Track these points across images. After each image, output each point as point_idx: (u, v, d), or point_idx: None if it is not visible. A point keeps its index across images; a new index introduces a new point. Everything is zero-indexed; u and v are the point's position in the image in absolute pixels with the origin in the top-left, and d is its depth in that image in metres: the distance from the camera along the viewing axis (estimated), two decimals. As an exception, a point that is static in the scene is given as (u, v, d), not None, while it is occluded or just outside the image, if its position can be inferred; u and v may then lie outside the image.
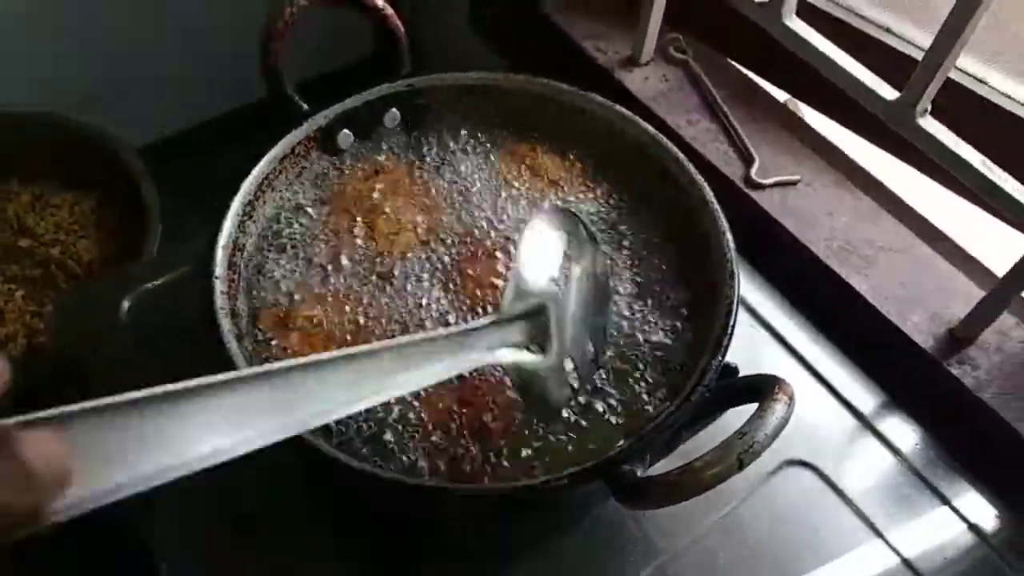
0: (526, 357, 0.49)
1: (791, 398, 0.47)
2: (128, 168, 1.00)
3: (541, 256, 0.53)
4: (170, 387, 0.31)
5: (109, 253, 1.00)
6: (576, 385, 0.54)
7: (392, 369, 0.41)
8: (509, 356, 0.48)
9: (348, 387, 0.38)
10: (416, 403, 0.54)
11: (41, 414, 0.27)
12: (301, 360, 0.37)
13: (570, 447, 0.53)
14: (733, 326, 0.55)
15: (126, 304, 0.71)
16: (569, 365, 0.53)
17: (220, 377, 0.33)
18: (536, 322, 0.50)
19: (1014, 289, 0.65)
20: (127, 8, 1.16)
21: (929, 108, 0.64)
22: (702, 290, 0.60)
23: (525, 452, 0.53)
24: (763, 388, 0.49)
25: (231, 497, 0.63)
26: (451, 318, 0.59)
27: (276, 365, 0.36)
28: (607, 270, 0.60)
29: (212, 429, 0.32)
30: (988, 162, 0.62)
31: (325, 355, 0.38)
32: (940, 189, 0.78)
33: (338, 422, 0.53)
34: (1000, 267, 0.68)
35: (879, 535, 0.65)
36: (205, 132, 1.30)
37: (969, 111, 0.71)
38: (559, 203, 0.66)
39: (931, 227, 0.77)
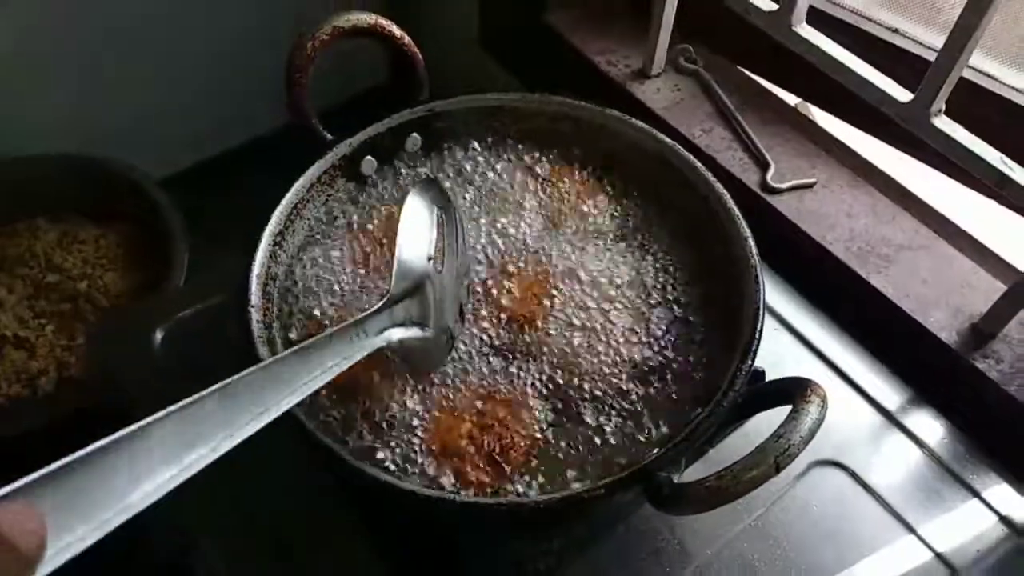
0: (411, 333, 0.54)
1: (823, 400, 0.48)
2: (152, 200, 1.02)
3: (417, 234, 0.56)
4: (113, 436, 0.33)
5: (136, 285, 1.02)
6: (451, 346, 0.58)
7: (296, 373, 0.44)
8: (396, 335, 0.52)
9: (256, 399, 0.41)
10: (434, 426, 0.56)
11: (10, 487, 0.28)
12: (210, 389, 0.40)
13: (601, 457, 0.55)
14: (761, 331, 0.56)
15: (159, 334, 0.73)
16: (444, 335, 0.57)
17: (152, 417, 0.35)
18: (418, 300, 0.54)
19: (1035, 282, 0.66)
20: (144, 46, 1.19)
21: (943, 108, 0.65)
22: (728, 296, 0.61)
23: (557, 468, 0.54)
24: (794, 391, 0.50)
25: (269, 524, 0.64)
26: (476, 332, 0.60)
27: (194, 397, 0.38)
28: (464, 233, 0.62)
29: (156, 462, 0.34)
30: (1005, 158, 0.63)
31: (233, 377, 0.41)
32: (956, 185, 0.78)
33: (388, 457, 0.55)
34: (1020, 261, 0.69)
35: (911, 530, 0.65)
36: (223, 163, 1.32)
37: (982, 108, 0.72)
38: (429, 177, 0.67)
39: (949, 223, 0.78)
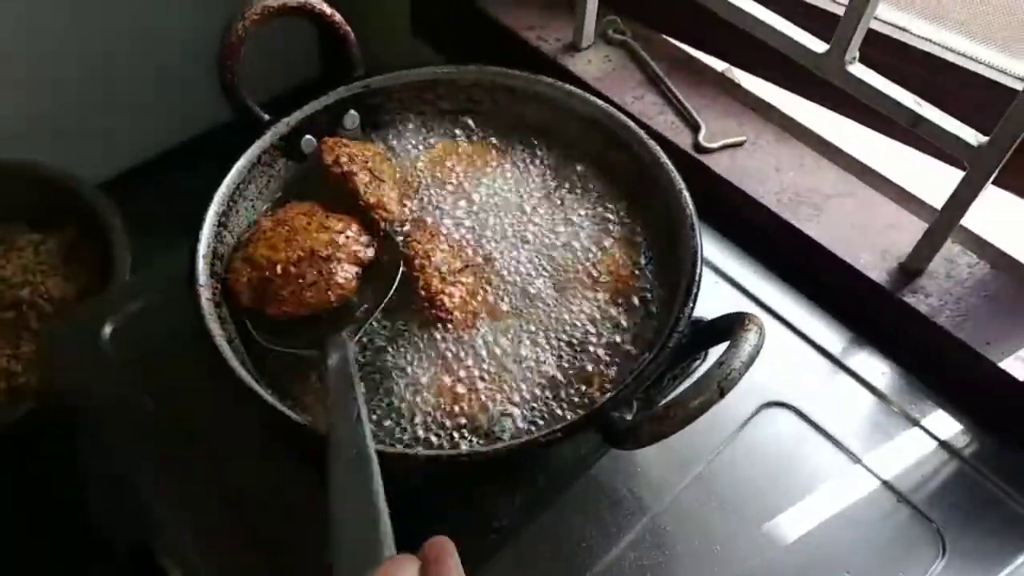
0: None
1: (760, 328, 0.51)
2: (90, 203, 1.01)
3: None
4: None
5: (81, 289, 1.00)
6: None
7: None
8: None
9: None
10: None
11: None
12: None
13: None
14: (700, 273, 0.58)
15: (107, 329, 0.72)
16: None
17: None
18: None
19: (953, 218, 0.70)
20: (79, 48, 1.17)
21: (857, 56, 0.69)
22: (668, 246, 0.63)
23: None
24: (733, 324, 0.52)
25: (237, 504, 0.64)
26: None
27: None
28: None
29: None
30: (918, 99, 0.66)
31: None
32: (876, 135, 0.82)
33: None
34: (938, 200, 0.72)
35: (857, 461, 0.68)
36: (166, 161, 1.31)
37: (895, 58, 0.76)
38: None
39: (872, 171, 0.81)
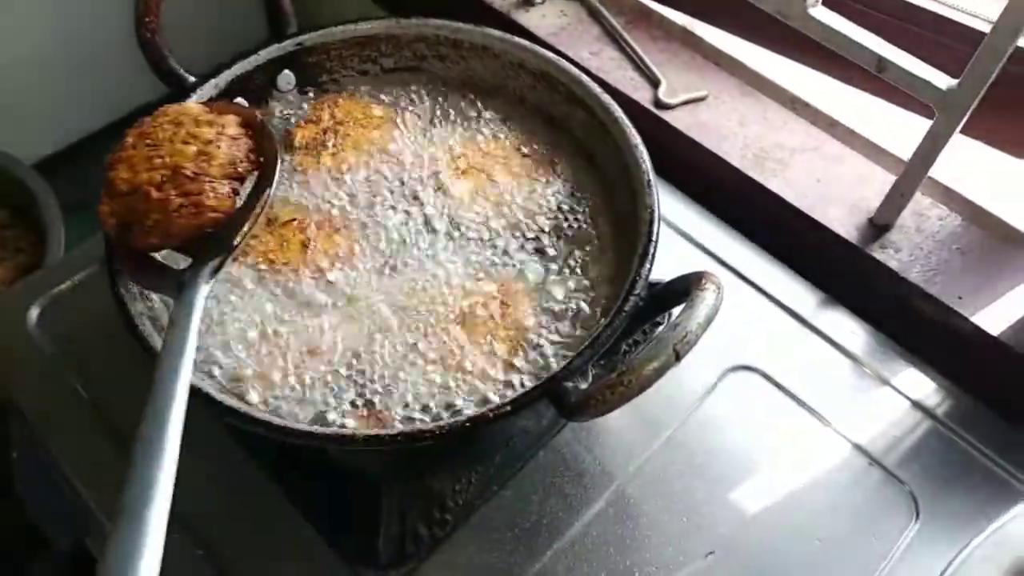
0: None
1: (718, 287, 0.47)
2: (24, 184, 0.95)
3: None
4: None
5: (16, 270, 0.95)
6: None
7: None
8: None
9: None
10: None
11: None
12: None
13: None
14: (657, 233, 0.55)
15: (34, 312, 0.68)
16: None
17: None
18: None
19: (922, 168, 0.67)
20: (11, 24, 1.10)
21: (819, -1, 0.65)
22: (626, 206, 0.60)
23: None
24: (690, 285, 0.49)
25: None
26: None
27: None
28: None
29: None
30: (882, 42, 0.63)
31: None
32: (842, 87, 0.79)
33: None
34: (905, 152, 0.69)
35: (828, 425, 0.66)
36: (104, 139, 1.25)
37: (859, 1, 0.72)
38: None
39: (838, 124, 0.78)
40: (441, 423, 0.47)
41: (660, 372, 0.44)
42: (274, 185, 0.54)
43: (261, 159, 0.55)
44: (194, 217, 0.51)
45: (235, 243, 0.52)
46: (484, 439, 0.61)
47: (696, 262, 0.74)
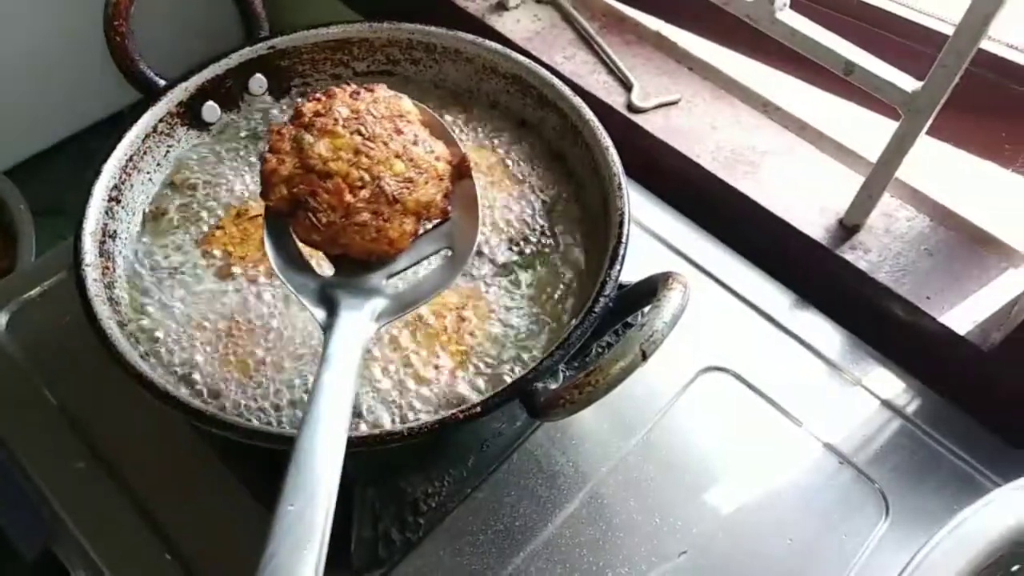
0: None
1: (685, 286, 0.48)
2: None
3: None
4: None
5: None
6: None
7: None
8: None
9: None
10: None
11: None
12: None
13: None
14: (627, 235, 0.55)
15: (3, 318, 0.67)
16: None
17: None
18: None
19: (889, 169, 0.67)
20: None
21: (788, 2, 0.66)
22: (596, 208, 0.60)
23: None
24: (657, 284, 0.49)
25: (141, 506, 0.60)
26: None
27: None
28: None
29: None
30: (850, 45, 0.64)
31: None
32: (814, 91, 0.80)
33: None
34: (873, 154, 0.70)
35: (799, 424, 0.67)
36: (77, 144, 1.24)
37: (825, 4, 0.73)
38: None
39: (808, 127, 0.79)
40: (410, 425, 0.47)
41: (627, 371, 0.44)
42: (465, 262, 0.49)
43: (449, 214, 0.49)
44: (370, 241, 0.46)
45: (409, 307, 0.47)
46: (456, 442, 0.61)
47: (668, 264, 0.74)
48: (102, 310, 0.51)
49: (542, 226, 0.62)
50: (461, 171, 0.51)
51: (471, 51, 0.67)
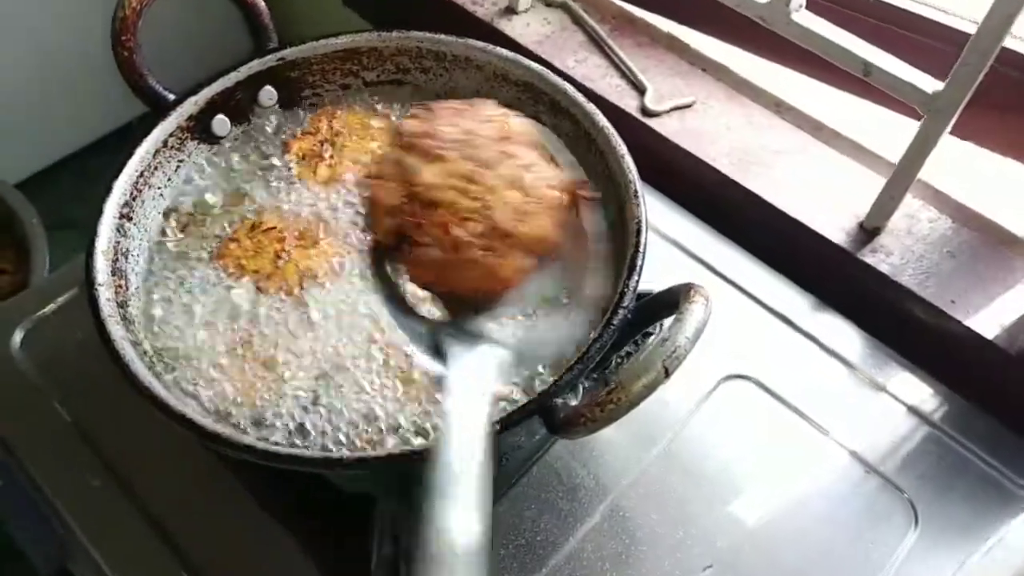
0: None
1: (707, 299, 0.47)
2: (5, 203, 0.94)
3: None
4: None
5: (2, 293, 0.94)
6: None
7: None
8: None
9: None
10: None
11: None
12: None
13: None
14: (645, 244, 0.54)
15: (18, 336, 0.67)
16: None
17: None
18: None
19: (911, 171, 0.66)
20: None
21: (804, 3, 0.65)
22: (612, 215, 0.59)
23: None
24: (679, 296, 0.48)
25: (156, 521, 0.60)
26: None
27: None
28: None
29: None
30: (867, 45, 0.62)
31: None
32: (831, 91, 0.78)
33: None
34: (894, 154, 0.69)
35: (824, 433, 0.65)
36: (87, 157, 1.24)
37: (842, 4, 0.72)
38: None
39: (825, 127, 0.78)
40: (428, 444, 0.46)
41: (650, 389, 0.43)
42: (586, 307, 0.46)
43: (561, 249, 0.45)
44: (480, 280, 0.43)
45: (531, 361, 0.45)
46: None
47: (686, 270, 0.73)
48: (115, 330, 0.50)
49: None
50: (575, 200, 0.46)
51: (481, 59, 0.66)
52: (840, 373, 0.69)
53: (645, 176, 0.58)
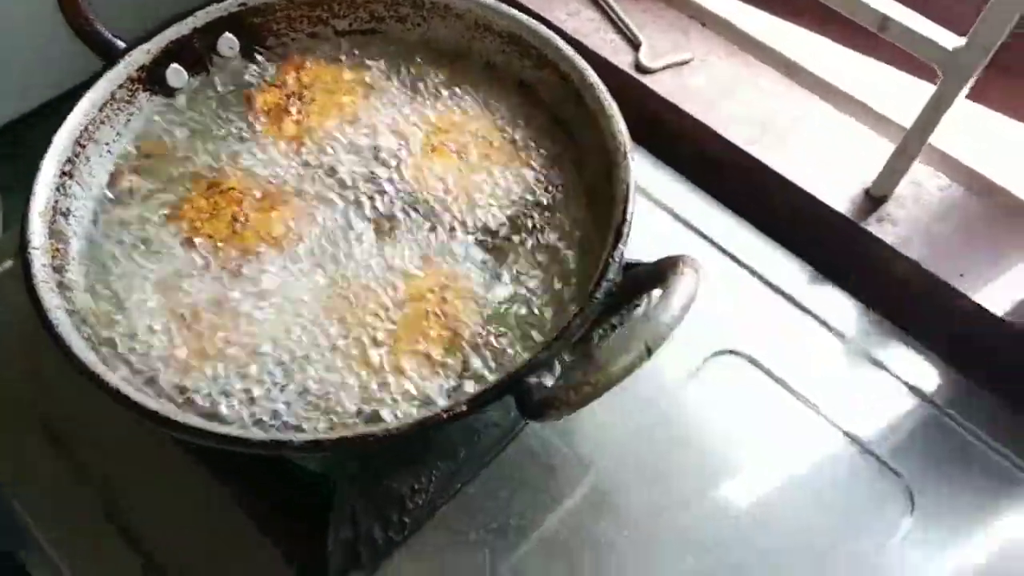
0: None
1: (696, 273, 0.43)
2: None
3: None
4: None
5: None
6: None
7: None
8: None
9: None
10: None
11: None
12: None
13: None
14: (631, 212, 0.50)
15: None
16: None
17: None
18: None
19: (924, 134, 0.62)
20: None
21: (813, -50, 0.59)
22: (600, 179, 0.55)
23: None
24: (666, 269, 0.44)
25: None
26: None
27: None
28: None
29: None
30: (883, -2, 0.57)
31: None
32: (839, 49, 0.73)
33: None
34: (905, 118, 0.64)
35: (818, 412, 0.62)
36: (36, 119, 1.18)
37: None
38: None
39: (832, 88, 0.72)
40: (388, 427, 0.42)
41: (629, 370, 0.39)
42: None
43: None
44: None
45: None
46: (444, 438, 0.56)
47: (677, 238, 0.69)
48: (48, 297, 0.46)
49: (541, 200, 0.56)
50: None
51: (461, 6, 0.61)
52: (838, 349, 0.65)
53: (637, 137, 0.53)
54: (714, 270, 0.68)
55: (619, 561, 0.55)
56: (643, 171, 0.72)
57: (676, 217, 0.70)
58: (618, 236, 0.49)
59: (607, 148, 0.54)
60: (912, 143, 0.63)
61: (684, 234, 0.69)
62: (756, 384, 0.63)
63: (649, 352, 0.39)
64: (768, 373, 0.63)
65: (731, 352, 0.64)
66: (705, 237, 0.70)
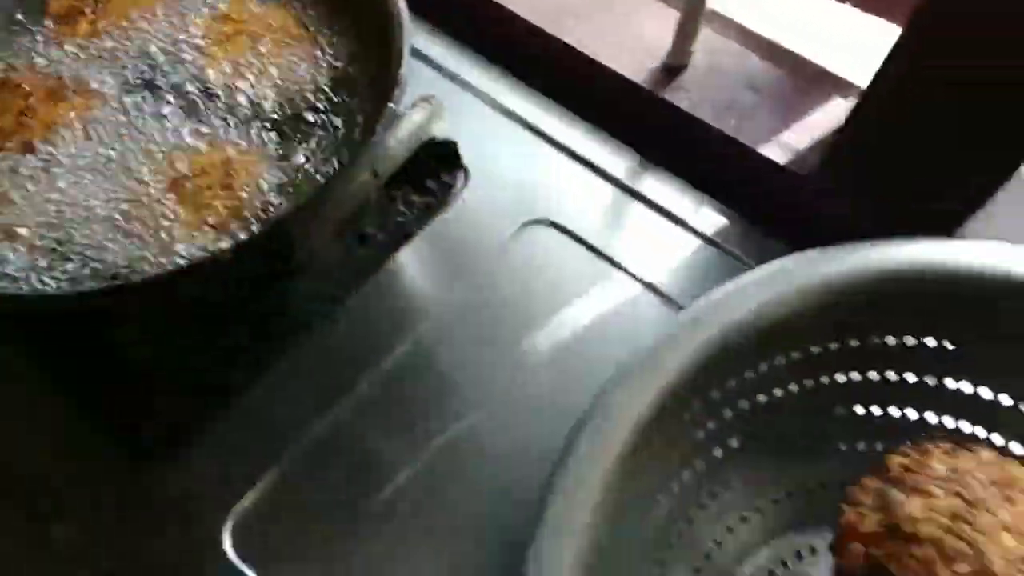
0: None
1: (432, 104, 0.45)
2: None
3: None
4: None
5: None
6: None
7: None
8: None
9: None
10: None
11: None
12: None
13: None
14: (403, 73, 0.52)
15: None
16: None
17: None
18: None
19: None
20: None
21: None
22: (373, 42, 0.56)
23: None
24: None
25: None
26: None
27: None
28: None
29: None
30: None
31: None
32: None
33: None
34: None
35: (621, 268, 0.66)
36: None
37: None
38: None
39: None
40: (146, 275, 0.44)
41: (359, 198, 0.42)
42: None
43: None
44: None
45: None
46: (238, 307, 0.58)
47: (485, 123, 0.72)
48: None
49: (330, 81, 0.58)
50: None
51: None
52: (639, 210, 0.69)
53: (439, 21, 0.54)
54: (523, 145, 0.71)
55: (431, 412, 0.59)
56: (448, 55, 0.74)
57: (482, 97, 0.73)
58: (387, 97, 0.51)
59: (387, 14, 0.56)
60: (691, 8, 0.66)
61: (490, 117, 0.72)
62: (563, 248, 0.66)
63: (376, 175, 0.42)
64: (574, 237, 0.67)
65: (543, 222, 0.67)
66: (515, 117, 0.72)
